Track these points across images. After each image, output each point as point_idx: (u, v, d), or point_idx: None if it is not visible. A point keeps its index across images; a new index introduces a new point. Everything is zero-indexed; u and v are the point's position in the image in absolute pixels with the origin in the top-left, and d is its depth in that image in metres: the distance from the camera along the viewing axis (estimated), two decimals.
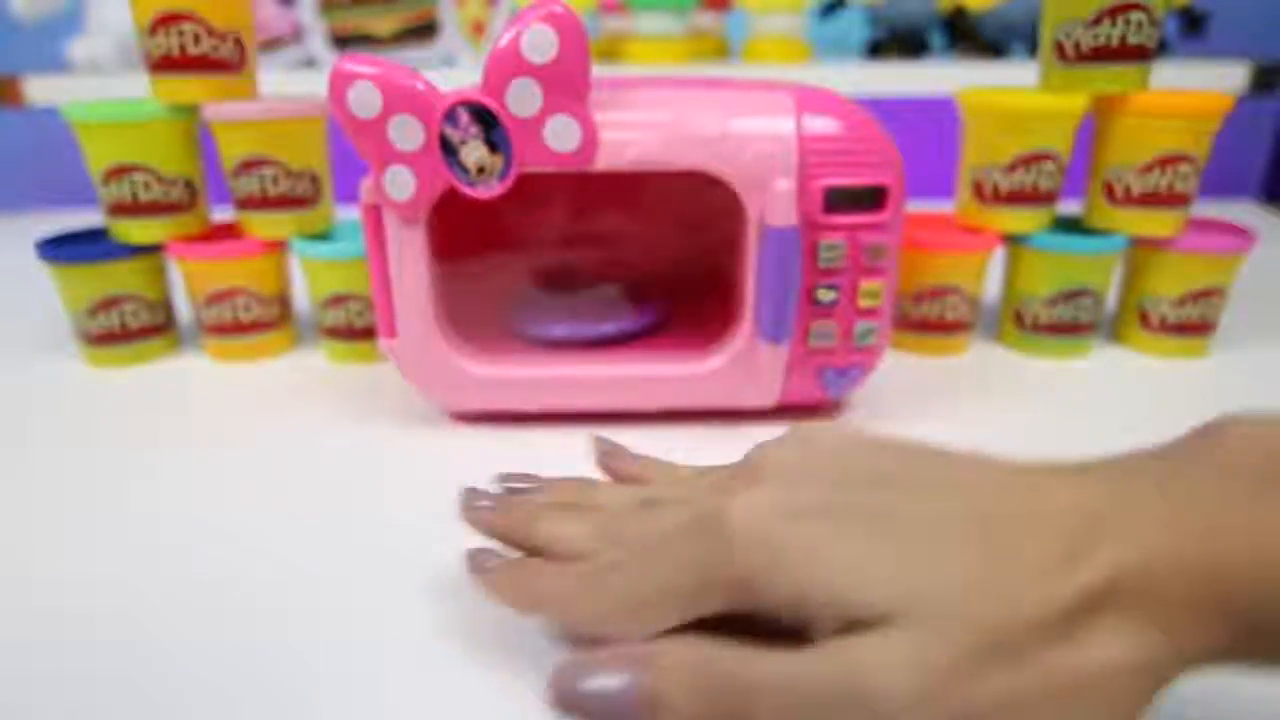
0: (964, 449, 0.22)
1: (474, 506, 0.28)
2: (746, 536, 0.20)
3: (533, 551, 0.26)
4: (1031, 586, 0.18)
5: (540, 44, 0.33)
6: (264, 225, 0.50)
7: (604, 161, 0.36)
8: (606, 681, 0.20)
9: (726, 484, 0.23)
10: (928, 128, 0.65)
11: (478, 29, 0.99)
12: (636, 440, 0.33)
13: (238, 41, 0.48)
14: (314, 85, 0.42)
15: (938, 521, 0.20)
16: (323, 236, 0.52)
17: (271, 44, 0.97)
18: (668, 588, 0.21)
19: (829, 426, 0.24)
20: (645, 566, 0.22)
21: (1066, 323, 0.50)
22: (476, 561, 0.27)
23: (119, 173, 0.48)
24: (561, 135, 0.35)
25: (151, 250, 0.51)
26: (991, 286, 0.52)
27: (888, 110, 0.43)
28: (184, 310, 0.55)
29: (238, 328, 0.51)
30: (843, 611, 0.18)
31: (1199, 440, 0.21)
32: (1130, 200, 0.48)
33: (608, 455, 0.32)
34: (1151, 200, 0.48)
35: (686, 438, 0.40)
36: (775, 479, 0.21)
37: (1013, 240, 0.50)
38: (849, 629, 0.18)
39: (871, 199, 0.37)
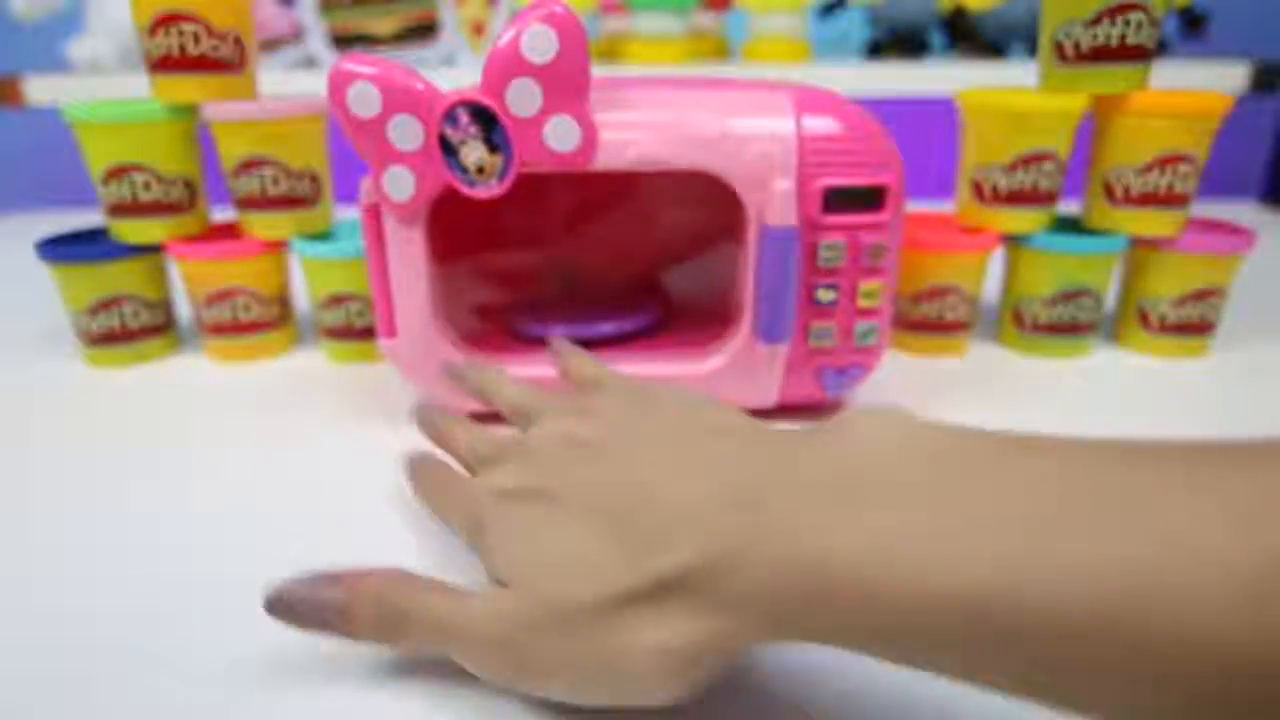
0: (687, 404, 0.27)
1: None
2: (475, 510, 0.27)
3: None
4: (602, 573, 0.22)
5: (540, 44, 0.33)
6: (264, 225, 0.50)
7: (604, 161, 0.36)
8: (316, 593, 0.25)
9: (499, 451, 0.29)
10: (928, 128, 0.65)
11: (478, 29, 0.99)
12: None
13: (237, 41, 0.48)
14: (314, 85, 0.42)
15: (577, 513, 0.24)
16: (323, 236, 0.52)
17: (271, 44, 0.97)
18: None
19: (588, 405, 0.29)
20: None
21: (1066, 323, 0.50)
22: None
23: (119, 173, 0.48)
24: (561, 135, 0.35)
25: (151, 250, 0.51)
26: (991, 286, 0.52)
27: (888, 110, 0.43)
28: (184, 310, 0.55)
29: (237, 328, 0.51)
30: (490, 571, 0.26)
31: (823, 438, 0.22)
32: (1130, 200, 0.48)
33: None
34: (1151, 200, 0.48)
35: None
36: (510, 461, 0.28)
37: (1012, 240, 0.50)
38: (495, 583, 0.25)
39: (871, 199, 0.37)
